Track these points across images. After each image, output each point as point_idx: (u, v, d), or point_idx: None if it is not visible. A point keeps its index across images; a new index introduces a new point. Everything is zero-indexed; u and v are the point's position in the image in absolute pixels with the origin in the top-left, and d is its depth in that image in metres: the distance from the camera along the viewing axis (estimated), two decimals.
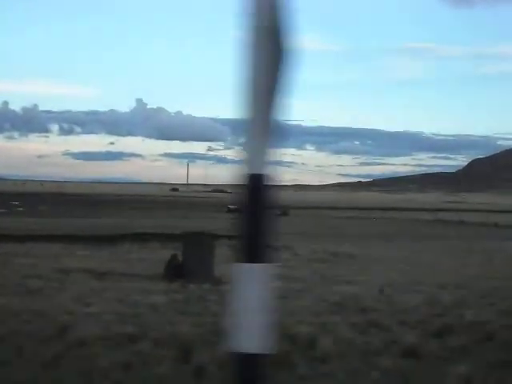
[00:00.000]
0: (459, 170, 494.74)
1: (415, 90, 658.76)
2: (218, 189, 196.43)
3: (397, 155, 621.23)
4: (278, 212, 34.24)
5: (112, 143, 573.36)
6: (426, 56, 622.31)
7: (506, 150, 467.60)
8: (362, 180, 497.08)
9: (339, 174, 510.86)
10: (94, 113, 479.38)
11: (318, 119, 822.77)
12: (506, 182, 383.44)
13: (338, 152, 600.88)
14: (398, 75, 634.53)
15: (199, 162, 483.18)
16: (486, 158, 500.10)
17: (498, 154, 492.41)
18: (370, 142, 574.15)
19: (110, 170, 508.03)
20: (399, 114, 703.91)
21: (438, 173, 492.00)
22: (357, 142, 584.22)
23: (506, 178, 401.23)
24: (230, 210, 46.17)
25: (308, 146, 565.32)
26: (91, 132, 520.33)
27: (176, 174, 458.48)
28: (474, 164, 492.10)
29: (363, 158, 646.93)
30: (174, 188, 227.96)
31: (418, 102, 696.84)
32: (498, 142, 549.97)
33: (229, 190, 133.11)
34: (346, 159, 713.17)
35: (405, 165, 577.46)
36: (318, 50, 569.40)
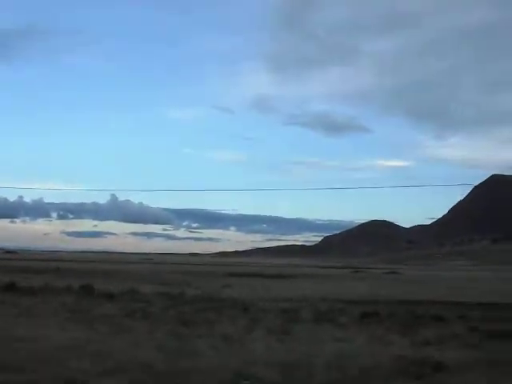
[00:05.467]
0: (319, 242, 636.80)
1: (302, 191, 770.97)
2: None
3: (291, 234, 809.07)
4: None
5: (95, 225, 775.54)
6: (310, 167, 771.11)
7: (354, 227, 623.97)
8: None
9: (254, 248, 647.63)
10: (82, 204, 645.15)
11: (238, 208, 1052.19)
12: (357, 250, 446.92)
13: (250, 232, 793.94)
14: (291, 179, 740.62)
15: (156, 238, 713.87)
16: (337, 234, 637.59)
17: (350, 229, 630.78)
18: (273, 225, 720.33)
19: (94, 243, 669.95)
20: (291, 204, 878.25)
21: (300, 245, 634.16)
22: (264, 225, 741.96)
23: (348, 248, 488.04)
24: None
25: (231, 228, 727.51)
26: (80, 217, 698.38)
27: (140, 247, 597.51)
28: (328, 238, 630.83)
29: (268, 236, 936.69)
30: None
31: (305, 198, 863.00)
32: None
33: None
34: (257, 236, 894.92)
35: (296, 240, 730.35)
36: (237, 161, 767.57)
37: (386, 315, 21.53)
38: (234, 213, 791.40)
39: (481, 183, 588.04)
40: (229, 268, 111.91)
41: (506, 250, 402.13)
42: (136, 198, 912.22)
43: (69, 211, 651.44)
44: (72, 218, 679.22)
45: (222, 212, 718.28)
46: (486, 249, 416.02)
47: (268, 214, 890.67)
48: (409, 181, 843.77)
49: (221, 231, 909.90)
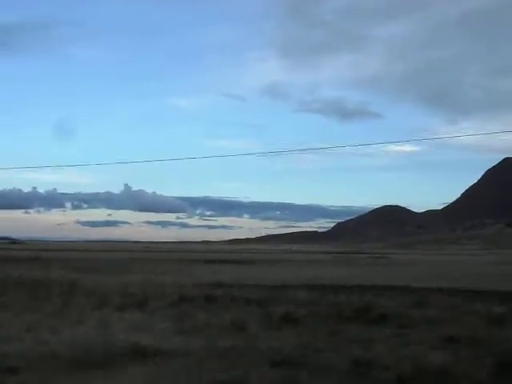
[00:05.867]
0: (332, 228, 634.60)
1: (315, 178, 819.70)
2: None
3: (304, 221, 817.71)
4: None
5: (109, 214, 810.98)
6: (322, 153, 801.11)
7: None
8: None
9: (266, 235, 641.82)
10: (96, 194, 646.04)
11: (251, 196, 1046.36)
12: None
13: (264, 219, 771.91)
14: (304, 166, 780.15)
15: (170, 226, 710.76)
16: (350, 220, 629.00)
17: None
18: (286, 212, 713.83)
19: (108, 233, 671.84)
20: (304, 191, 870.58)
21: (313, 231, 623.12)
22: (278, 212, 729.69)
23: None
24: None
25: (244, 215, 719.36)
26: (94, 207, 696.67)
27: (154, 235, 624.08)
28: (341, 224, 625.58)
29: (282, 223, 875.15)
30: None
31: (317, 184, 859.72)
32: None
33: None
34: (270, 223, 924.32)
35: (310, 227, 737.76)
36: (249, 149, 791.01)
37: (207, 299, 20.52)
38: (246, 200, 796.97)
39: (493, 167, 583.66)
40: (217, 255, 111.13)
41: None
42: (149, 187, 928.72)
43: (83, 201, 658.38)
44: (86, 208, 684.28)
45: (235, 199, 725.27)
46: (498, 233, 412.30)
47: (281, 200, 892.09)
48: (422, 166, 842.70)
49: (234, 219, 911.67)
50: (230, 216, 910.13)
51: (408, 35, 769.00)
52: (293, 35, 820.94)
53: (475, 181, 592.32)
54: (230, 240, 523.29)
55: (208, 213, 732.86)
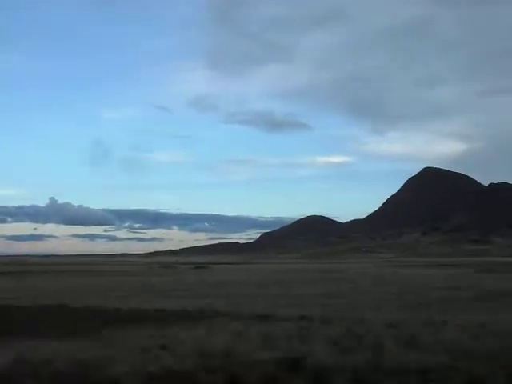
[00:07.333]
0: (257, 239, 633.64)
1: (244, 189, 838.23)
2: None
3: (234, 232, 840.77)
4: None
5: (35, 228, 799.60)
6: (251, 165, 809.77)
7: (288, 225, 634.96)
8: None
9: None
10: (21, 207, 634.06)
11: (181, 207, 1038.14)
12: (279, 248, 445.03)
13: (194, 230, 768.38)
14: (233, 178, 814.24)
15: (98, 239, 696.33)
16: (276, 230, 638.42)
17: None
18: (214, 223, 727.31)
19: (34, 247, 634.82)
20: (234, 202, 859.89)
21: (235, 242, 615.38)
22: (206, 224, 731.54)
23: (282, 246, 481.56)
24: None
25: (174, 227, 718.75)
26: (20, 221, 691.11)
27: (81, 248, 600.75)
28: (266, 234, 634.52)
29: (212, 234, 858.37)
30: None
31: (247, 196, 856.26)
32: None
33: None
34: (200, 235, 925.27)
35: (239, 238, 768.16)
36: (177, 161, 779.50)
37: None
38: (177, 212, 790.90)
39: (413, 176, 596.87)
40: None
41: (434, 242, 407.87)
42: (76, 200, 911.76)
43: (8, 215, 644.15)
44: (11, 222, 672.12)
45: (165, 211, 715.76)
46: (415, 241, 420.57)
47: (212, 212, 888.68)
48: (349, 176, 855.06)
49: (164, 231, 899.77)
50: (159, 228, 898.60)
51: (334, 45, 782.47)
52: (220, 45, 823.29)
53: (395, 191, 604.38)
54: (150, 253, 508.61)
55: (137, 225, 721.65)
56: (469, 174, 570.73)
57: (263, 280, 62.89)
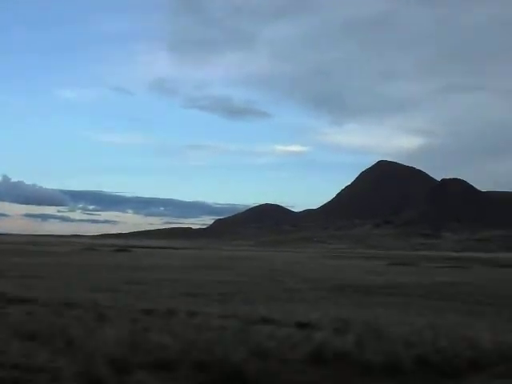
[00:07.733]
0: (211, 225, 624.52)
1: (202, 174, 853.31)
2: None
3: (189, 217, 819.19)
4: None
5: None
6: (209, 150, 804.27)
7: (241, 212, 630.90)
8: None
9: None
10: None
11: (136, 191, 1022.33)
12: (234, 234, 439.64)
13: (149, 214, 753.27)
14: (191, 163, 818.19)
15: (51, 220, 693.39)
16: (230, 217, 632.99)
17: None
18: (169, 207, 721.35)
19: None
20: (190, 187, 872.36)
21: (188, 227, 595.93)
22: (162, 208, 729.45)
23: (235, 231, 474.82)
24: None
25: (128, 210, 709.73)
26: None
27: (34, 228, 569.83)
28: (220, 221, 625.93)
29: (167, 219, 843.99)
30: None
31: (204, 181, 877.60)
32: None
33: None
34: (155, 219, 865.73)
35: (193, 224, 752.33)
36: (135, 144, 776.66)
37: None
38: (131, 195, 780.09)
39: (367, 169, 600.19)
40: None
41: (386, 235, 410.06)
42: (29, 179, 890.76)
43: None
44: None
45: (120, 194, 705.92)
46: (366, 233, 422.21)
47: (167, 196, 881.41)
48: (306, 166, 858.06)
49: (118, 213, 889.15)
50: (114, 211, 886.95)
51: (297, 36, 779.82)
52: (183, 30, 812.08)
53: (349, 182, 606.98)
54: (99, 235, 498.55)
55: (91, 207, 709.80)
56: (423, 169, 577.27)
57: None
